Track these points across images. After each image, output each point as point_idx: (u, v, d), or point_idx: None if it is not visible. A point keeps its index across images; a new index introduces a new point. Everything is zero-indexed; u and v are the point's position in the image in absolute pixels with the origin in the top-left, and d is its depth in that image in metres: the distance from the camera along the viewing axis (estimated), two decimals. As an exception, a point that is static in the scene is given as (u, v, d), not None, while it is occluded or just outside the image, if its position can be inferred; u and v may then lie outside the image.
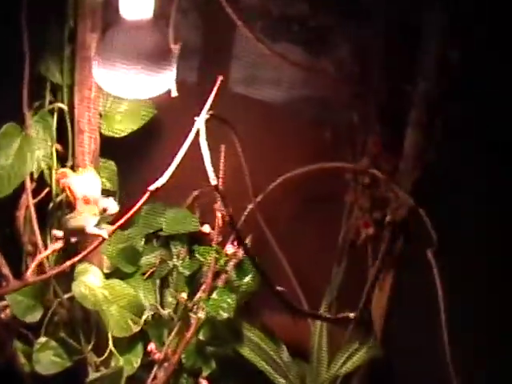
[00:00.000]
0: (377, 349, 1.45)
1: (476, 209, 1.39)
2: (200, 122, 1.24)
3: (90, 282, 1.44)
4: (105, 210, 1.29)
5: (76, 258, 1.31)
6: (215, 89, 1.29)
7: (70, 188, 1.34)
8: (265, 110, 1.50)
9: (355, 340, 1.43)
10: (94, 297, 1.42)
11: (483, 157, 1.39)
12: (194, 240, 1.53)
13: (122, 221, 1.26)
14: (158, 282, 1.51)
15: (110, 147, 1.48)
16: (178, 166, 1.25)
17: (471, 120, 1.38)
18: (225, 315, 1.42)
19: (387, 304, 1.42)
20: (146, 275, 1.52)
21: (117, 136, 1.47)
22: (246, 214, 1.48)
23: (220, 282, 1.46)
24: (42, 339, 1.45)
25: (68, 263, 1.32)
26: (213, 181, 1.20)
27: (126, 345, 1.46)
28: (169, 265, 1.50)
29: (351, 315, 1.27)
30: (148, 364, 1.47)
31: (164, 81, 1.30)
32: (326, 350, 1.43)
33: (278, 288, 1.22)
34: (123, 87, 1.28)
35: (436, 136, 1.36)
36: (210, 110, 1.27)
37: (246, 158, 1.42)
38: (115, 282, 1.47)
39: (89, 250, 1.30)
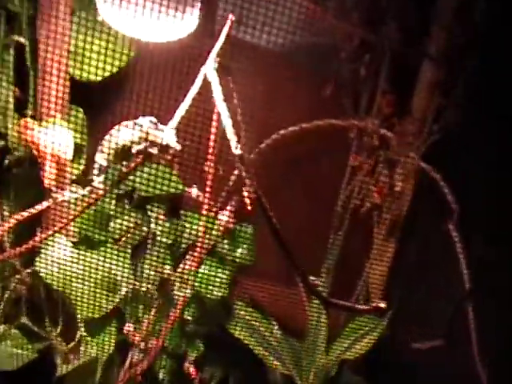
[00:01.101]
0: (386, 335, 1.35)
1: (487, 175, 1.32)
2: (210, 73, 1.05)
3: (57, 255, 1.22)
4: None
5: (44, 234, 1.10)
6: (225, 31, 1.10)
7: (34, 143, 1.11)
8: (261, 57, 1.32)
9: (359, 322, 1.32)
10: (62, 274, 1.21)
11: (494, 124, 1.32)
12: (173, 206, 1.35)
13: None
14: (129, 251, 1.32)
15: (80, 94, 1.25)
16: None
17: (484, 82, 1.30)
18: (217, 293, 1.26)
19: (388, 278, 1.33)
20: (119, 243, 1.32)
21: (90, 80, 1.24)
22: (236, 173, 1.31)
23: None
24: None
25: (36, 238, 1.10)
26: (236, 150, 1.02)
27: (98, 327, 1.27)
28: (145, 231, 1.32)
29: (382, 305, 1.15)
30: (124, 348, 1.29)
31: (188, 20, 1.09)
32: (324, 333, 1.32)
33: (312, 279, 1.07)
34: (138, 26, 1.05)
35: (455, 96, 1.26)
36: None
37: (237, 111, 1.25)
38: (85, 253, 1.26)
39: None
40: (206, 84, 1.17)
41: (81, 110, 1.25)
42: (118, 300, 1.26)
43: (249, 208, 1.16)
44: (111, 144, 1.18)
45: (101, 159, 1.20)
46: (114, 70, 1.23)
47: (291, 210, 1.37)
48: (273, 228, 1.18)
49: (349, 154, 1.33)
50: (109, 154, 1.20)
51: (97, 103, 1.26)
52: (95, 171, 1.22)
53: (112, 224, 1.26)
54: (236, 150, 1.03)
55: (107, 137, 1.19)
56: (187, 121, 1.22)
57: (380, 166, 1.29)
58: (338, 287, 1.32)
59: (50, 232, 1.10)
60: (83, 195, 1.21)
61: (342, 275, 1.34)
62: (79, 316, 1.22)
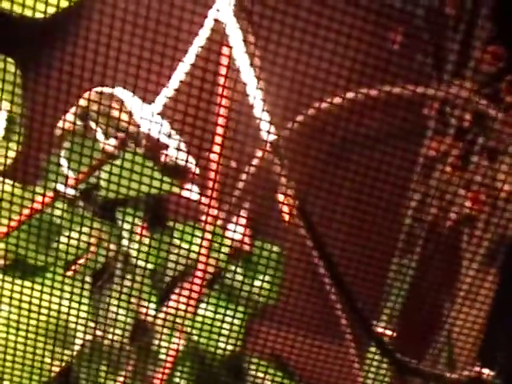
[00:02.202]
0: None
1: None
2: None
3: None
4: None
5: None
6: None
7: None
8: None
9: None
10: None
11: None
12: (156, 213, 0.92)
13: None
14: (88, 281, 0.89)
15: (12, 38, 0.82)
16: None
17: None
18: (225, 346, 0.83)
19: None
20: (72, 268, 0.89)
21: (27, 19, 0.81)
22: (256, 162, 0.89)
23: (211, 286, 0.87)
24: None
25: None
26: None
27: (36, 400, 0.84)
28: (112, 251, 0.89)
29: (486, 371, 0.73)
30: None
31: None
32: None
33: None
34: None
35: None
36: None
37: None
38: (18, 284, 0.83)
39: None
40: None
41: (12, 61, 0.82)
42: (69, 357, 0.83)
43: (287, 219, 0.74)
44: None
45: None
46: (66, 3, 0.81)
47: (335, 221, 0.95)
48: (320, 250, 0.77)
49: (424, 138, 0.91)
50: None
51: (38, 54, 0.83)
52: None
53: (61, 240, 0.84)
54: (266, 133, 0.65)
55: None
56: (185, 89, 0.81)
57: (475, 158, 0.87)
58: (403, 340, 0.90)
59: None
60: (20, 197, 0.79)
61: (411, 322, 0.92)
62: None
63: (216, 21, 0.88)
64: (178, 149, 0.80)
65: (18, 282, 0.83)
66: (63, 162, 0.81)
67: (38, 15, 0.81)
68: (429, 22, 0.87)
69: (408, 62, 0.89)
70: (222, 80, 0.83)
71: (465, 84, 0.84)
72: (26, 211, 0.84)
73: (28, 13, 0.81)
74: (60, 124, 0.81)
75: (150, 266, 0.86)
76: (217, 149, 0.82)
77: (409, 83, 0.89)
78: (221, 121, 0.84)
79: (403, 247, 0.92)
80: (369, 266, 0.93)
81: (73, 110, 0.81)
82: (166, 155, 0.87)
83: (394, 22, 0.89)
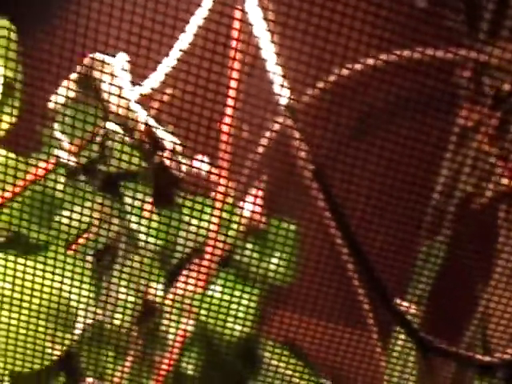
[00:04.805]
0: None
1: None
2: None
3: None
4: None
5: None
6: None
7: None
8: None
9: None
10: None
11: None
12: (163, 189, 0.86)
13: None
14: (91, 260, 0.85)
15: None
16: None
17: None
18: (236, 329, 0.78)
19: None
20: (73, 247, 0.85)
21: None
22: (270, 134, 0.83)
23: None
24: None
25: None
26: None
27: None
28: (117, 228, 0.84)
29: None
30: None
31: None
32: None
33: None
34: None
35: None
36: None
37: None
38: (15, 262, 0.79)
39: None
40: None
41: (7, 22, 0.77)
42: (70, 341, 0.79)
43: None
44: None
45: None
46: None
47: (358, 197, 0.89)
48: (342, 226, 0.71)
49: (456, 107, 0.84)
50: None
51: (35, 11, 0.78)
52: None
53: (62, 216, 0.80)
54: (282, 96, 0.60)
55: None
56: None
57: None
58: (433, 325, 0.84)
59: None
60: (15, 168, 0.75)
61: (442, 305, 0.86)
62: (2, 369, 0.76)
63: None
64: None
65: (19, 259, 0.80)
66: (58, 135, 0.77)
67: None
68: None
69: (437, 21, 0.82)
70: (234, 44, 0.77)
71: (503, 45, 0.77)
72: (21, 182, 0.80)
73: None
74: (53, 97, 0.76)
75: (156, 243, 0.81)
76: (228, 119, 0.77)
77: (439, 45, 0.82)
78: (233, 85, 0.79)
79: (431, 224, 0.86)
80: (394, 244, 0.87)
81: (71, 77, 0.76)
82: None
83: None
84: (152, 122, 0.77)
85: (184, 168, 0.77)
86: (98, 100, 0.79)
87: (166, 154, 0.75)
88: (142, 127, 0.74)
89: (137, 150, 0.77)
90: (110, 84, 0.74)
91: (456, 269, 0.86)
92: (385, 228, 0.87)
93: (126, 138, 0.76)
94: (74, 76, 0.76)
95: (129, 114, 0.75)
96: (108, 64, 0.74)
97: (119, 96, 0.75)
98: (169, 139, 0.76)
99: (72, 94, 0.77)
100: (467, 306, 0.87)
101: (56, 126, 0.77)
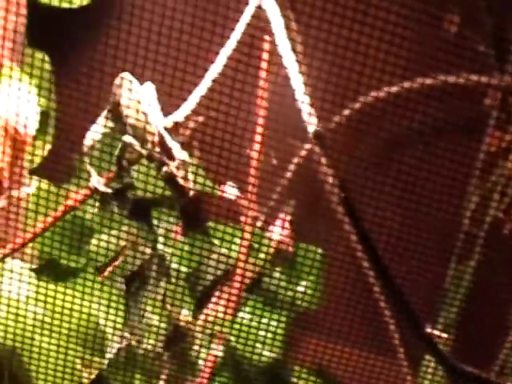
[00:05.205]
0: None
1: None
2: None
3: (6, 289, 0.77)
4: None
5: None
6: None
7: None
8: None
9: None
10: (13, 319, 0.75)
11: None
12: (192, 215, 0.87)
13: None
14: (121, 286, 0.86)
15: (44, 30, 0.79)
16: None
17: None
18: (266, 354, 0.79)
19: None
20: (105, 273, 0.87)
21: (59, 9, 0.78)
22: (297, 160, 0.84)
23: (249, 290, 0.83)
24: None
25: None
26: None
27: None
28: (147, 253, 0.85)
29: None
30: None
31: None
32: None
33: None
34: None
35: None
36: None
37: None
38: (49, 287, 0.81)
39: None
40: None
41: (46, 56, 0.79)
42: (101, 365, 0.81)
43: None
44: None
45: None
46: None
47: (384, 222, 0.89)
48: (367, 248, 0.71)
49: (485, 133, 0.84)
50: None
51: (69, 45, 0.80)
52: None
53: (93, 242, 0.82)
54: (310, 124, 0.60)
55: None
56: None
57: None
58: (464, 351, 0.84)
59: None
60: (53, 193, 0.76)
61: (472, 331, 0.85)
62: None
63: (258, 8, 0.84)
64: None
65: (50, 286, 0.81)
66: (91, 166, 0.78)
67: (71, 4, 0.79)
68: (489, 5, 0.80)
69: (466, 49, 0.83)
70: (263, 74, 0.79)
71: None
72: (58, 211, 0.82)
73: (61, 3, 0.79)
74: (88, 134, 0.78)
75: (185, 269, 0.82)
76: (257, 145, 0.78)
77: (465, 72, 0.83)
78: (262, 113, 0.80)
79: (461, 250, 0.85)
80: (422, 269, 0.87)
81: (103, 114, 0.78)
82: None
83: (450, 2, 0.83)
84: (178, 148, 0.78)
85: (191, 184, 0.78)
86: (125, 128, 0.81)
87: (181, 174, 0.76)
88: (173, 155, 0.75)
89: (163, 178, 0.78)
90: (138, 111, 0.76)
91: (486, 294, 0.85)
92: (411, 253, 0.87)
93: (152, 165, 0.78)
94: (105, 113, 0.77)
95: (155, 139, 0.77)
96: (136, 92, 0.75)
97: (146, 122, 0.77)
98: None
99: (105, 130, 0.79)
100: (498, 331, 0.86)
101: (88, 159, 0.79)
